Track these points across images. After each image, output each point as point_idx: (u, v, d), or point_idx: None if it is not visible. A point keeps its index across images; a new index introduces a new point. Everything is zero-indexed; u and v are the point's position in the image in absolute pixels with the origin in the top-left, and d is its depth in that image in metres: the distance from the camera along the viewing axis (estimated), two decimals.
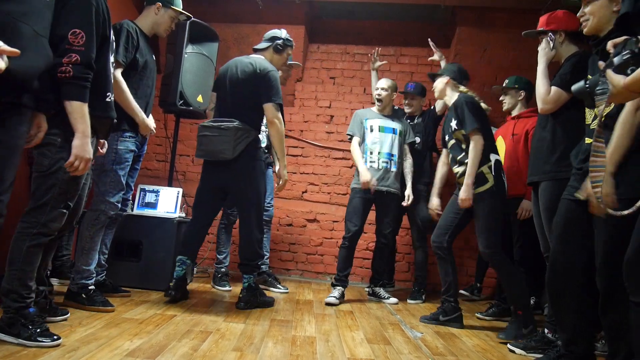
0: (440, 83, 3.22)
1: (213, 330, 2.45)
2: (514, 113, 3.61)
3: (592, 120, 2.05)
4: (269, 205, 3.97)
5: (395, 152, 3.80)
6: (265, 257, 4.06)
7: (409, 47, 5.07)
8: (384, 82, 3.93)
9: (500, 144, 3.50)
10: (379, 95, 3.88)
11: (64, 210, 2.07)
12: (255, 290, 3.12)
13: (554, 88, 2.47)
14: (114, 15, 2.99)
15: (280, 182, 3.22)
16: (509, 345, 2.59)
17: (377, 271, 3.95)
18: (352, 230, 3.69)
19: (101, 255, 2.98)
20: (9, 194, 1.77)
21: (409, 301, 3.95)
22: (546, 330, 2.54)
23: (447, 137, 3.18)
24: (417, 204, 4.01)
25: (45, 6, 1.78)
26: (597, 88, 1.79)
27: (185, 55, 3.56)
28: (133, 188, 3.19)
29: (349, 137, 3.94)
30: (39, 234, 2.00)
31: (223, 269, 3.87)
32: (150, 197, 3.60)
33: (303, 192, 4.56)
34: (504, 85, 3.67)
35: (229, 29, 4.76)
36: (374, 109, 3.97)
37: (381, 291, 3.89)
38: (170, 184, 3.87)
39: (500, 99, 3.72)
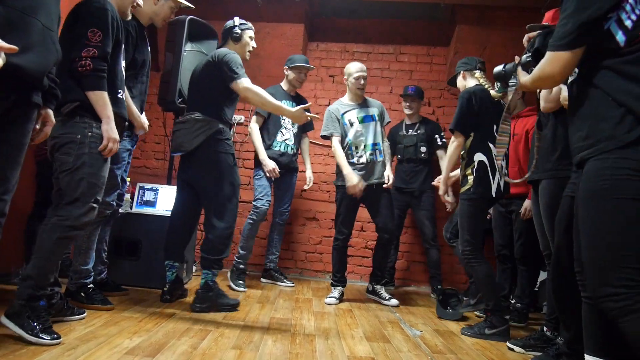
0: (459, 82, 3.17)
1: (212, 328, 2.45)
2: (513, 112, 3.60)
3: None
4: (285, 210, 4.14)
5: (379, 139, 3.68)
6: (275, 255, 4.21)
7: (408, 45, 5.07)
8: (362, 66, 3.73)
9: None
10: (362, 82, 3.68)
11: (95, 205, 2.17)
12: (211, 290, 2.89)
13: (555, 87, 2.46)
14: None
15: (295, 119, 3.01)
16: (507, 344, 2.59)
17: (378, 268, 3.78)
18: (345, 233, 3.69)
19: (102, 252, 2.98)
20: (12, 194, 1.76)
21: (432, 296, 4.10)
22: (545, 329, 2.54)
23: None
24: (427, 207, 4.20)
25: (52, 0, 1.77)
26: (511, 81, 2.07)
27: (184, 53, 3.54)
28: (127, 182, 3.18)
29: (324, 137, 3.76)
30: (71, 227, 2.09)
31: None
32: (149, 196, 3.59)
33: (302, 191, 4.56)
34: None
35: None
36: (345, 99, 3.77)
37: (382, 290, 3.74)
38: (169, 182, 3.87)
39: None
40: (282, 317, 2.85)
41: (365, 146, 3.64)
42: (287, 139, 4.06)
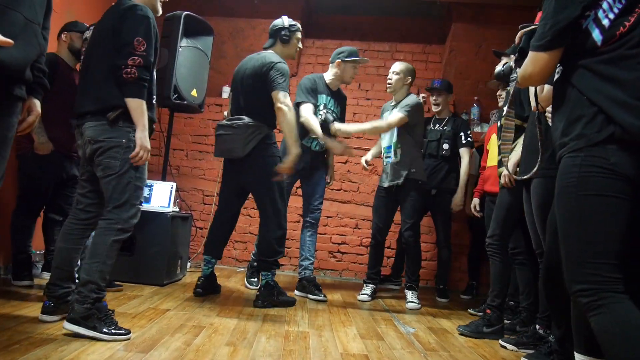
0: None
1: (206, 325, 2.45)
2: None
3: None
4: (315, 208, 3.78)
5: (394, 139, 3.61)
6: (310, 262, 3.72)
7: (404, 42, 5.08)
8: (399, 65, 3.69)
9: (494, 143, 3.49)
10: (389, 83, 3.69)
11: (140, 207, 2.24)
12: (272, 289, 3.08)
13: (547, 86, 2.47)
14: (80, 6, 2.93)
15: (287, 159, 3.00)
16: (500, 341, 2.61)
17: (406, 273, 3.76)
18: (372, 228, 3.76)
19: None
20: None
21: (439, 299, 4.03)
22: (537, 326, 2.55)
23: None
24: (443, 209, 4.14)
25: None
26: (512, 76, 2.10)
27: (180, 49, 3.54)
28: None
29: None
30: (122, 230, 2.16)
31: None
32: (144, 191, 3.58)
33: (297, 187, 4.55)
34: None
35: (224, 23, 4.73)
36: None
37: (409, 295, 3.60)
38: (164, 179, 3.86)
39: (498, 94, 3.70)
40: (276, 314, 2.86)
41: (384, 148, 3.71)
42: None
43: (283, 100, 2.96)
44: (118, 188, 2.15)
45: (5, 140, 1.73)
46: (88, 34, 2.84)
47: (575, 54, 1.48)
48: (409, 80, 3.67)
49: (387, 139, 3.66)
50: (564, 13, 1.46)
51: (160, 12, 2.54)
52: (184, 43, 3.60)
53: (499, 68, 2.30)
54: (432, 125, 4.22)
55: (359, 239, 4.86)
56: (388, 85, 3.69)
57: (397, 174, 3.57)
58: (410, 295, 3.57)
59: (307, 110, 3.48)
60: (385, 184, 3.64)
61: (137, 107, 2.15)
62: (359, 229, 4.89)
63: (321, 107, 3.65)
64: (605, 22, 1.42)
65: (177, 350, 1.99)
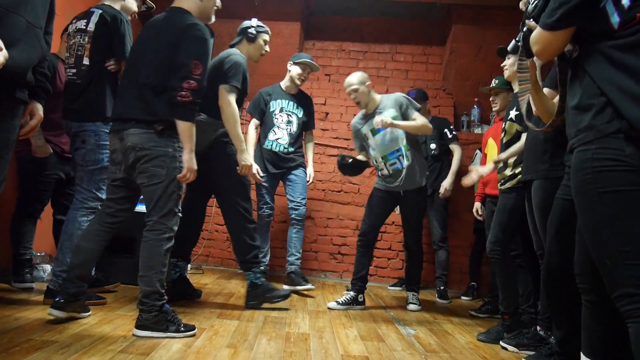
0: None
1: (207, 326, 2.45)
2: (503, 114, 3.59)
3: None
4: (298, 204, 3.88)
5: (400, 144, 3.41)
6: (296, 257, 3.86)
7: (404, 44, 5.08)
8: (348, 80, 3.47)
9: (492, 146, 3.49)
10: (352, 97, 3.48)
11: (180, 214, 2.32)
12: (258, 287, 3.01)
13: (546, 90, 2.47)
14: (81, 9, 2.91)
15: (238, 168, 2.97)
16: (501, 342, 2.61)
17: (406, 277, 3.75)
18: (363, 228, 3.55)
19: None
20: (0, 191, 1.76)
21: (439, 300, 4.06)
22: (538, 328, 2.55)
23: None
24: (439, 208, 4.20)
25: None
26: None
27: None
28: None
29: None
30: (169, 238, 2.25)
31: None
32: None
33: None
34: (492, 85, 3.50)
35: (224, 25, 4.72)
36: (360, 113, 3.60)
37: (410, 296, 3.56)
38: None
39: (491, 99, 3.70)
40: (276, 316, 2.85)
41: (383, 157, 3.45)
42: (279, 138, 3.93)
43: (224, 96, 2.88)
44: (163, 197, 2.20)
45: (7, 143, 1.74)
46: (71, 28, 2.77)
47: (591, 35, 1.34)
48: (369, 83, 3.46)
49: (387, 146, 3.42)
50: None
51: (213, 19, 2.56)
52: None
53: (512, 43, 2.09)
54: None
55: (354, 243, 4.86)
56: (357, 104, 3.50)
57: (412, 179, 3.41)
58: (411, 296, 3.54)
59: (250, 125, 3.95)
60: (398, 189, 3.44)
61: (187, 130, 2.20)
62: (359, 230, 4.88)
63: (277, 111, 3.93)
64: (625, 1, 1.26)
65: (178, 352, 1.99)
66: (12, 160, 3.03)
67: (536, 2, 1.55)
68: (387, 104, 3.43)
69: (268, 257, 4.05)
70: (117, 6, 2.76)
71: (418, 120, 3.37)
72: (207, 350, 2.05)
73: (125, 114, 2.22)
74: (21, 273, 2.96)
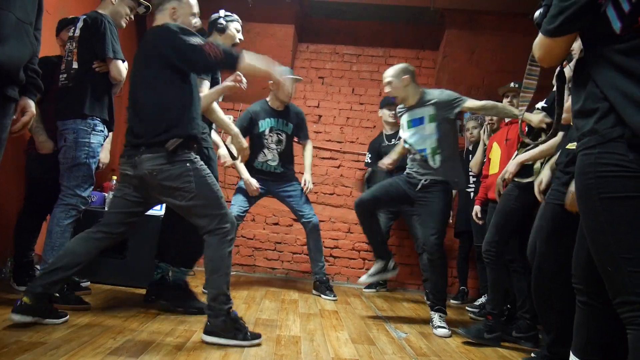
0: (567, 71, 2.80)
1: (197, 328, 2.44)
2: (507, 119, 3.63)
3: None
4: (309, 215, 3.88)
5: (434, 144, 3.10)
6: (318, 267, 3.90)
7: (398, 48, 5.10)
8: (387, 71, 3.23)
9: (496, 150, 3.54)
10: (386, 90, 3.25)
11: (227, 209, 2.30)
12: (175, 288, 2.87)
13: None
14: (73, 7, 2.91)
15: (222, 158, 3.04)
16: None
17: (431, 292, 3.18)
18: (365, 196, 3.28)
19: None
20: None
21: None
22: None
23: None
24: (417, 212, 4.11)
25: None
26: None
27: None
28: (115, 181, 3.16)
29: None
30: (232, 240, 2.25)
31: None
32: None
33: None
34: (512, 85, 3.53)
35: None
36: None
37: (435, 317, 3.02)
38: None
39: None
40: (267, 318, 2.85)
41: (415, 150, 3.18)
42: (269, 160, 3.88)
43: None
44: (207, 206, 2.20)
45: (0, 141, 1.72)
46: (65, 36, 2.82)
47: (594, 39, 1.33)
48: (408, 77, 3.15)
49: (418, 142, 3.15)
50: None
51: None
52: None
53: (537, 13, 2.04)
54: (387, 141, 4.35)
55: (351, 243, 4.86)
56: (395, 97, 3.29)
57: (445, 174, 3.12)
58: (437, 319, 3.00)
59: None
60: (421, 179, 3.14)
61: (248, 67, 2.26)
62: (352, 233, 4.89)
63: (266, 131, 3.85)
64: (626, 5, 1.24)
65: (168, 354, 1.98)
66: (19, 160, 3.03)
67: (543, 9, 1.51)
68: (430, 99, 3.13)
69: None
70: (106, 11, 2.76)
71: (479, 102, 3.06)
72: (198, 353, 2.04)
73: (134, 140, 2.22)
74: (22, 275, 2.92)
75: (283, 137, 3.90)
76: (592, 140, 1.28)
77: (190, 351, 2.05)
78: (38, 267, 3.14)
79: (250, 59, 2.22)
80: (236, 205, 3.80)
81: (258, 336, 2.26)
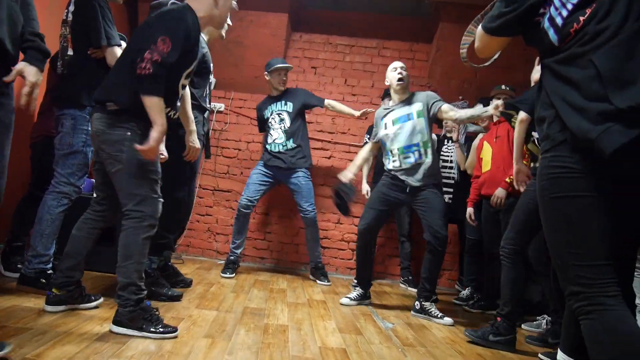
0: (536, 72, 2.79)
1: (185, 316, 2.44)
2: (495, 119, 3.65)
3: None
4: (307, 210, 4.11)
5: (418, 139, 3.22)
6: (315, 255, 4.20)
7: (391, 40, 5.08)
8: (395, 64, 3.45)
9: (487, 149, 3.58)
10: (398, 78, 3.34)
11: (161, 200, 2.18)
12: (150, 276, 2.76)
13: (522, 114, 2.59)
14: None
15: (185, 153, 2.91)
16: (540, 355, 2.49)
17: (427, 281, 3.21)
18: (362, 226, 3.35)
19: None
20: (6, 174, 1.71)
21: (412, 289, 4.22)
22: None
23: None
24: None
25: None
26: None
27: None
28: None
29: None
30: (150, 226, 2.11)
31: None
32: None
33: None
34: (503, 88, 3.75)
35: None
36: (392, 100, 3.47)
37: (433, 308, 3.17)
38: None
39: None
40: (255, 307, 2.86)
41: (399, 149, 3.26)
42: (275, 139, 4.15)
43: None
44: (132, 183, 2.07)
45: (7, 124, 1.69)
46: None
47: (543, 52, 1.47)
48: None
49: (407, 138, 3.24)
50: (512, 6, 1.49)
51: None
52: None
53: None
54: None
55: (340, 234, 4.87)
56: (400, 82, 3.34)
57: (429, 176, 3.23)
58: (435, 309, 3.17)
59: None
60: (413, 183, 3.22)
61: (153, 106, 1.98)
62: (341, 224, 4.90)
63: (269, 115, 4.20)
64: (559, 20, 1.38)
65: (154, 342, 1.98)
66: (21, 148, 2.99)
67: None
68: (418, 99, 3.32)
69: (241, 249, 4.12)
70: None
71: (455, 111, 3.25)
72: (185, 340, 2.04)
73: (95, 97, 2.14)
74: (12, 260, 2.89)
75: (284, 115, 4.17)
76: (547, 144, 1.40)
77: (177, 339, 2.05)
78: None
79: (152, 104, 1.96)
80: (245, 195, 4.09)
81: (174, 330, 2.10)
